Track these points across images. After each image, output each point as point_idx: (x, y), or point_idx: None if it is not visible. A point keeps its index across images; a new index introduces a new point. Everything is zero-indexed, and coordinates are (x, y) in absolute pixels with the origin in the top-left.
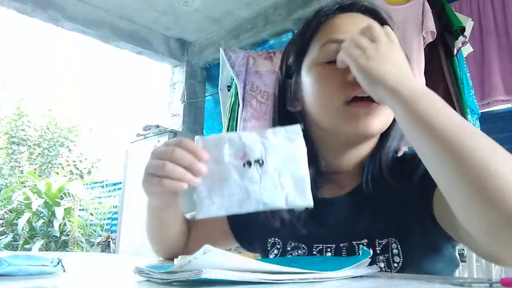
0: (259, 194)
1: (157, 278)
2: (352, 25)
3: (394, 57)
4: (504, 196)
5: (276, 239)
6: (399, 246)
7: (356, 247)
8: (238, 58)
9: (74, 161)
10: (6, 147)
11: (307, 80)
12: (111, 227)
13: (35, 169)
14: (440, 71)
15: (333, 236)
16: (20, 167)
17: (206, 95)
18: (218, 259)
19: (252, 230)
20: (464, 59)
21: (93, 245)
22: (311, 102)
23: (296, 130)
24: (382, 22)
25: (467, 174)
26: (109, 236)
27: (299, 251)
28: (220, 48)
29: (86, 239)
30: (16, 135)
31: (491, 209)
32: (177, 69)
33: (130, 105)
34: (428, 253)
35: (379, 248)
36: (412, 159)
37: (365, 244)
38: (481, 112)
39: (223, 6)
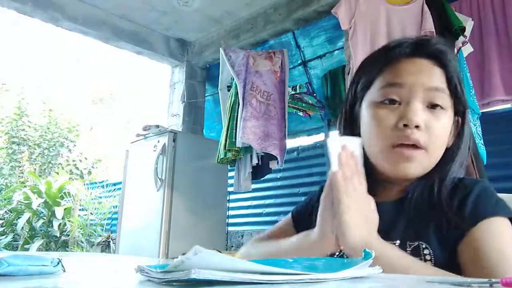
0: None
1: (154, 278)
2: (414, 68)
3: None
4: None
5: None
6: (430, 252)
7: None
8: (238, 57)
9: (74, 161)
10: (6, 147)
11: (365, 114)
12: (111, 227)
13: (35, 169)
14: None
15: None
16: (20, 167)
17: (206, 95)
18: (209, 260)
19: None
20: (464, 59)
21: (93, 245)
22: (364, 134)
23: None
24: (443, 65)
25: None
26: (109, 236)
27: None
28: (220, 48)
29: (86, 239)
30: (16, 135)
31: None
32: (177, 69)
33: (130, 105)
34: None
35: (410, 250)
36: (464, 187)
37: (397, 244)
38: (481, 112)
39: (223, 6)
